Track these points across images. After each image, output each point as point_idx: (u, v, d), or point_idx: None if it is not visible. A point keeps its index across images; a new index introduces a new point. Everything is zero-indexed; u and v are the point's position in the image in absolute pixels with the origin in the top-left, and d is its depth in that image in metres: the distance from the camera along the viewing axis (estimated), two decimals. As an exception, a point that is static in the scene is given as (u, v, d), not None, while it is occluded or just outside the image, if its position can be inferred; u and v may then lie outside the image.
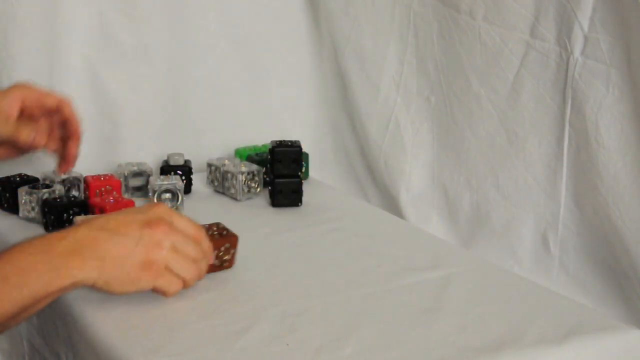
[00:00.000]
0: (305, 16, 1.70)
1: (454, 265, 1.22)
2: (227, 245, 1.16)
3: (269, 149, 1.46)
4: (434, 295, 1.12)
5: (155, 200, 1.40)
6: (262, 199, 1.49)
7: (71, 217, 1.26)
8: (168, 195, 1.41)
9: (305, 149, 1.55)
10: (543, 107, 1.33)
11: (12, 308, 0.94)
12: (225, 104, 1.67)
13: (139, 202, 1.42)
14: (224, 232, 1.17)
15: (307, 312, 1.07)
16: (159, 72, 1.60)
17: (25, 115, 1.26)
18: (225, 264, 1.16)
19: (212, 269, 1.14)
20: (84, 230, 1.00)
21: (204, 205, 1.33)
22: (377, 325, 1.04)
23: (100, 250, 0.99)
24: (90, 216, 1.24)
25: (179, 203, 1.41)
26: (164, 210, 1.04)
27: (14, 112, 1.23)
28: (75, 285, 0.99)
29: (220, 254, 1.15)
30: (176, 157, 1.51)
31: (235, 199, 1.48)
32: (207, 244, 1.08)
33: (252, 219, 1.35)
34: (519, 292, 1.15)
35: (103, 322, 1.05)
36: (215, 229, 1.16)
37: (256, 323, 1.04)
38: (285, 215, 1.42)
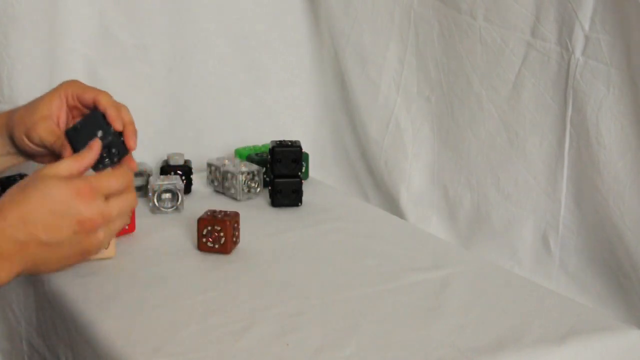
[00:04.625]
0: (305, 16, 1.70)
1: (454, 265, 1.22)
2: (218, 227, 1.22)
3: (269, 149, 1.46)
4: (434, 295, 1.12)
5: (155, 201, 1.40)
6: (262, 199, 1.49)
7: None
8: (168, 195, 1.41)
9: (305, 149, 1.55)
10: (544, 107, 1.33)
11: None
12: (225, 104, 1.67)
13: (139, 202, 1.41)
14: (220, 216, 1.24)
15: (307, 312, 1.07)
16: (159, 72, 1.60)
17: (74, 116, 1.18)
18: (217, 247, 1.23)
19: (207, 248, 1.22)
20: (11, 233, 0.94)
21: (204, 205, 1.33)
22: (377, 325, 1.04)
23: (31, 256, 0.95)
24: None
25: (179, 203, 1.41)
26: (89, 199, 0.97)
27: (58, 120, 1.14)
28: (4, 283, 0.96)
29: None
30: (176, 157, 1.51)
31: (235, 199, 1.48)
32: (129, 182, 1.04)
33: (252, 219, 1.35)
34: (519, 292, 1.15)
35: (103, 322, 1.05)
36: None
37: (256, 323, 1.04)
38: (285, 215, 1.42)
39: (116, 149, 1.08)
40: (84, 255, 0.99)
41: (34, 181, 0.97)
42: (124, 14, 1.55)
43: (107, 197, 0.99)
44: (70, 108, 1.15)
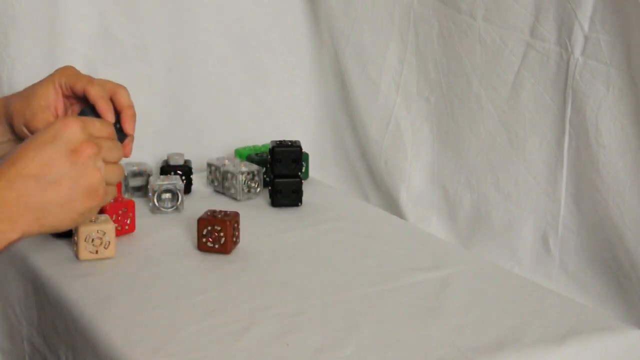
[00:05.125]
0: (305, 16, 1.70)
1: (454, 265, 1.22)
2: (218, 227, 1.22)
3: (269, 149, 1.46)
4: (434, 295, 1.12)
5: (155, 201, 1.40)
6: (262, 199, 1.49)
7: (71, 217, 1.25)
8: (168, 195, 1.41)
9: (305, 149, 1.56)
10: (543, 107, 1.33)
11: None
12: (225, 104, 1.67)
13: (139, 202, 1.42)
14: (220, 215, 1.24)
15: (307, 312, 1.07)
16: (159, 72, 1.60)
17: (72, 104, 1.16)
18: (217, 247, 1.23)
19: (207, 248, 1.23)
20: (5, 185, 0.91)
21: (204, 205, 1.33)
22: (377, 325, 1.04)
23: (33, 203, 0.92)
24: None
25: (179, 203, 1.41)
26: (74, 125, 0.95)
27: (57, 111, 1.13)
28: (9, 245, 0.92)
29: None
30: (176, 157, 1.51)
31: (235, 199, 1.48)
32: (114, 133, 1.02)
33: (252, 219, 1.35)
34: (519, 292, 1.15)
35: (103, 322, 1.05)
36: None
37: (256, 323, 1.04)
38: (285, 215, 1.42)
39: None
40: (92, 198, 0.95)
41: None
42: (124, 14, 1.55)
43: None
44: (66, 97, 1.13)
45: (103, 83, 1.10)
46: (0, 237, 0.91)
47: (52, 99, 1.12)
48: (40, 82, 1.14)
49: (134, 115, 1.09)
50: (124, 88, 1.10)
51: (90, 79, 1.11)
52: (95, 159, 0.95)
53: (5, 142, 1.15)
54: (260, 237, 1.31)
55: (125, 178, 1.47)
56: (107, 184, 0.97)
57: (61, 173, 0.93)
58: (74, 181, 0.93)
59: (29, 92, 1.13)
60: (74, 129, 0.94)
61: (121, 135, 1.07)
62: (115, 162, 0.99)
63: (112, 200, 1.02)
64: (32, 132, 1.10)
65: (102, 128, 0.99)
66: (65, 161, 0.93)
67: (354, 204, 1.52)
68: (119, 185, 1.40)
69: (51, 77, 1.13)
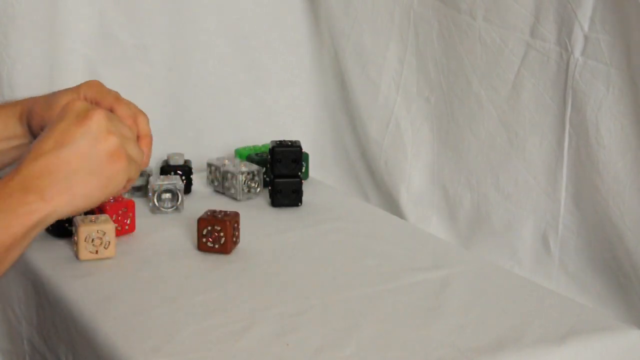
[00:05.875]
0: (305, 16, 1.70)
1: (454, 265, 1.22)
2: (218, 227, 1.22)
3: (269, 149, 1.46)
4: (434, 295, 1.12)
5: (155, 201, 1.40)
6: (262, 199, 1.49)
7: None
8: (168, 195, 1.41)
9: (305, 149, 1.55)
10: (543, 107, 1.33)
11: None
12: (225, 104, 1.67)
13: (139, 202, 1.42)
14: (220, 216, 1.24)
15: (307, 312, 1.07)
16: (159, 72, 1.60)
17: None
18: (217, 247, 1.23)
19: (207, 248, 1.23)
20: (29, 163, 0.95)
21: (204, 205, 1.33)
22: (377, 325, 1.04)
23: (58, 174, 0.95)
24: (86, 216, 1.23)
25: (179, 203, 1.41)
26: (79, 100, 1.02)
27: None
28: (45, 221, 0.95)
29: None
30: (176, 157, 1.51)
31: (235, 199, 1.48)
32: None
33: (252, 219, 1.35)
34: (519, 292, 1.15)
35: (103, 322, 1.05)
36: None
37: (256, 323, 1.04)
38: (285, 215, 1.42)
39: None
40: (116, 159, 0.98)
41: None
42: (124, 14, 1.55)
43: None
44: None
45: (128, 104, 1.13)
46: (31, 209, 0.93)
47: None
48: (65, 90, 1.17)
49: (150, 143, 1.12)
50: (145, 115, 1.13)
51: (117, 97, 1.14)
52: (106, 124, 0.99)
53: (26, 144, 1.16)
54: (260, 237, 1.31)
55: (125, 178, 1.47)
56: (128, 154, 1.00)
57: (77, 140, 0.97)
58: (92, 145, 0.97)
59: (52, 98, 1.16)
60: (80, 102, 1.00)
61: None
62: (130, 138, 1.03)
63: (133, 183, 1.06)
64: None
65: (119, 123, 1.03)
66: (78, 129, 0.97)
67: (354, 204, 1.52)
68: None
69: (77, 87, 1.17)
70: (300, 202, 1.45)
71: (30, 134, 1.16)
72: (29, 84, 1.46)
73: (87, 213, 1.29)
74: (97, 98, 1.14)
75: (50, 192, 0.95)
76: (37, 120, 1.14)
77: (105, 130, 0.98)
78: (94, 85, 1.15)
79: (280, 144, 1.46)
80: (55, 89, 1.46)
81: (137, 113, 1.13)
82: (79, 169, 0.96)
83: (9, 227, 0.92)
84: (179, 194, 1.41)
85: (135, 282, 1.16)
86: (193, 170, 1.52)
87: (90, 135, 0.97)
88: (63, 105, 1.02)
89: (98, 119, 0.98)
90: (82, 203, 0.98)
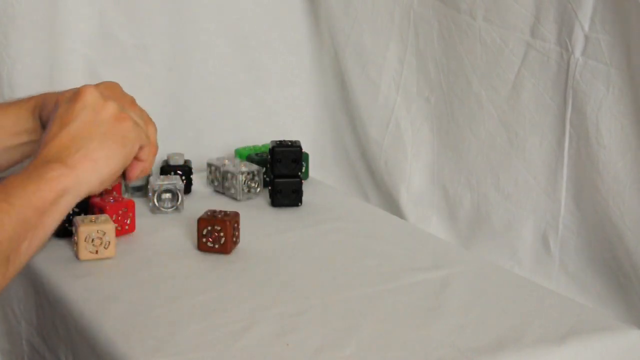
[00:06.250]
0: (305, 16, 1.70)
1: (454, 265, 1.22)
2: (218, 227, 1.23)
3: (269, 149, 1.46)
4: (434, 295, 1.12)
5: (155, 201, 1.40)
6: (262, 199, 1.49)
7: (71, 216, 1.26)
8: (168, 195, 1.41)
9: (305, 149, 1.55)
10: (543, 107, 1.33)
11: (6, 234, 0.91)
12: (225, 104, 1.67)
13: (139, 202, 1.42)
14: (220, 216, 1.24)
15: (307, 312, 1.07)
16: (159, 72, 1.60)
17: None
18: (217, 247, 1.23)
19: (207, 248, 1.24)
20: (43, 149, 1.00)
21: (204, 205, 1.33)
22: (377, 325, 1.04)
23: (74, 143, 1.00)
24: (89, 216, 1.24)
25: (179, 203, 1.41)
26: (68, 90, 1.08)
27: None
28: (74, 189, 0.98)
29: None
30: (176, 157, 1.51)
31: (235, 199, 1.48)
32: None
33: (252, 219, 1.35)
34: (519, 292, 1.15)
35: (103, 322, 1.05)
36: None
37: (256, 323, 1.04)
38: (285, 215, 1.42)
39: None
40: (120, 120, 1.04)
41: None
42: (124, 14, 1.55)
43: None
44: None
45: (142, 111, 1.16)
46: (57, 174, 0.97)
47: None
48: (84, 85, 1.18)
49: (155, 153, 1.15)
50: (154, 125, 1.16)
51: (132, 102, 1.16)
52: (99, 94, 1.04)
53: (35, 142, 1.18)
54: (260, 237, 1.31)
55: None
56: (135, 123, 1.07)
57: (79, 115, 1.02)
58: (94, 114, 1.03)
59: (65, 91, 1.18)
60: (70, 89, 1.07)
61: None
62: (141, 119, 1.10)
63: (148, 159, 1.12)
64: None
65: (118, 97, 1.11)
66: (75, 105, 1.03)
67: (354, 204, 1.52)
68: (118, 184, 1.40)
69: (96, 84, 1.18)
70: (300, 202, 1.45)
71: (41, 129, 1.17)
72: (29, 84, 1.46)
73: (87, 213, 1.29)
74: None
75: (72, 160, 0.99)
76: (49, 105, 1.15)
77: (100, 98, 1.04)
78: (111, 86, 1.17)
79: (280, 144, 1.46)
80: (56, 89, 1.46)
81: (147, 122, 1.15)
82: (91, 136, 1.01)
83: (38, 190, 0.95)
84: (179, 194, 1.41)
85: (135, 282, 1.16)
86: (193, 170, 1.52)
87: (89, 107, 1.03)
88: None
89: (90, 91, 1.04)
90: (105, 167, 1.02)
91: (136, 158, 1.09)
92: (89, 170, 1.00)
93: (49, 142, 1.00)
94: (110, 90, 1.10)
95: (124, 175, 1.11)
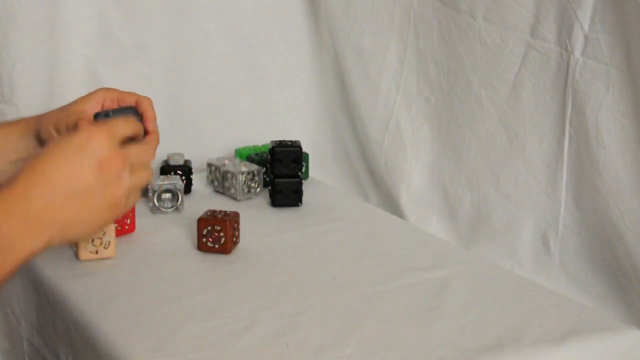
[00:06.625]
0: (305, 16, 1.70)
1: (454, 265, 1.22)
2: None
3: (269, 149, 1.46)
4: (434, 295, 1.12)
5: (155, 201, 1.40)
6: (262, 199, 1.49)
7: (71, 217, 1.25)
8: (168, 195, 1.41)
9: (305, 149, 1.55)
10: (543, 107, 1.33)
11: None
12: (225, 104, 1.67)
13: (139, 202, 1.42)
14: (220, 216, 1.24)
15: (307, 312, 1.07)
16: (159, 72, 1.60)
17: None
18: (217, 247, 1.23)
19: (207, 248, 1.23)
20: (36, 195, 0.91)
21: (204, 205, 1.33)
22: (377, 325, 1.04)
23: (60, 216, 0.92)
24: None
25: (179, 203, 1.41)
26: (101, 136, 0.94)
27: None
28: (36, 253, 0.93)
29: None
30: (176, 157, 1.51)
31: (235, 199, 1.48)
32: (141, 129, 1.03)
33: (252, 219, 1.35)
34: (519, 292, 1.15)
35: (103, 322, 1.05)
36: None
37: (256, 323, 1.04)
38: (285, 215, 1.42)
39: None
40: (114, 210, 0.95)
41: (46, 146, 0.96)
42: (124, 14, 1.55)
43: (122, 143, 0.97)
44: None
45: (148, 99, 1.15)
46: (28, 246, 0.91)
47: (90, 108, 1.14)
48: (81, 96, 1.17)
49: (158, 141, 1.12)
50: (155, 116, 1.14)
51: (138, 95, 1.15)
52: (121, 172, 0.94)
53: (24, 159, 1.16)
54: (260, 237, 1.31)
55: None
56: (132, 191, 0.97)
57: (87, 186, 0.92)
58: (100, 196, 0.93)
59: (68, 104, 1.16)
60: (102, 140, 0.94)
61: None
62: (144, 164, 0.99)
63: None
64: (60, 133, 1.12)
65: (126, 126, 0.99)
66: (92, 175, 0.93)
67: (354, 204, 1.52)
68: None
69: (94, 91, 1.17)
70: (300, 202, 1.45)
71: (36, 146, 1.15)
72: (29, 84, 1.46)
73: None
74: (120, 97, 1.15)
75: (47, 232, 0.92)
76: (48, 122, 1.14)
77: (117, 181, 0.94)
78: (112, 89, 1.16)
79: (280, 144, 1.46)
80: (55, 88, 1.46)
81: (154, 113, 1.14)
82: (79, 215, 0.93)
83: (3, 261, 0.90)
84: (179, 194, 1.41)
85: (135, 282, 1.16)
86: (193, 170, 1.52)
87: (101, 186, 0.93)
88: (82, 131, 0.95)
89: (116, 169, 0.94)
90: (70, 240, 0.98)
91: None
92: (56, 241, 0.93)
93: (47, 189, 0.91)
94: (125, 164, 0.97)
95: None
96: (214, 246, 1.24)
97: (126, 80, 1.57)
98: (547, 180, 1.34)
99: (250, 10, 1.65)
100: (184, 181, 1.48)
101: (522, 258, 1.39)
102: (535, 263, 1.37)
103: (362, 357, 0.97)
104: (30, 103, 1.43)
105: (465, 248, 1.45)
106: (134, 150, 0.97)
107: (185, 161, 1.52)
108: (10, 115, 1.42)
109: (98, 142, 0.93)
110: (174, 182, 1.41)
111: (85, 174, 0.92)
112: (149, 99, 1.14)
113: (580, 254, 1.31)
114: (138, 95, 1.15)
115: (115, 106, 1.15)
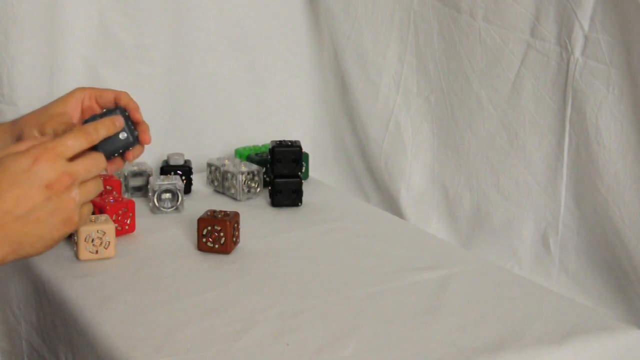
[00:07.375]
0: (305, 16, 1.70)
1: (454, 265, 1.22)
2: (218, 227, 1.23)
3: (269, 149, 1.46)
4: (434, 295, 1.12)
5: (155, 200, 1.40)
6: (262, 199, 1.49)
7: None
8: (168, 195, 1.41)
9: (305, 149, 1.55)
10: (543, 107, 1.33)
11: None
12: (225, 104, 1.67)
13: (139, 202, 1.42)
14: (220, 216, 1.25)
15: (307, 312, 1.07)
16: (159, 72, 1.60)
17: (87, 115, 1.21)
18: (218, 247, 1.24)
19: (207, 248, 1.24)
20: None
21: (204, 206, 1.33)
22: (377, 325, 1.04)
23: (11, 236, 0.95)
24: None
25: (178, 203, 1.41)
26: (47, 160, 0.97)
27: (75, 115, 1.18)
28: None
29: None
30: (176, 157, 1.51)
31: (235, 199, 1.48)
32: (89, 141, 1.03)
33: (252, 219, 1.35)
34: (519, 292, 1.15)
35: (103, 322, 1.05)
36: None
37: (256, 323, 1.04)
38: (285, 215, 1.42)
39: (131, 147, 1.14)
40: (68, 225, 0.98)
41: None
42: (124, 14, 1.55)
43: (71, 159, 0.99)
44: (85, 109, 1.18)
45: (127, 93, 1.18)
46: None
47: (71, 108, 1.17)
48: (60, 97, 1.19)
49: (148, 127, 1.16)
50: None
51: (116, 91, 1.17)
52: (70, 190, 0.98)
53: None
54: (260, 237, 1.31)
55: (125, 178, 1.47)
56: (84, 204, 1.01)
57: (37, 207, 0.96)
58: (50, 214, 0.97)
59: (47, 105, 1.18)
60: (47, 164, 0.97)
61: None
62: (93, 178, 1.01)
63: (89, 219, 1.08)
64: (44, 134, 1.14)
65: (74, 144, 1.00)
66: (41, 197, 0.96)
67: (354, 204, 1.52)
68: (118, 184, 1.41)
69: (72, 92, 1.19)
70: (300, 202, 1.45)
71: None
72: (29, 84, 1.46)
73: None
74: (97, 94, 1.18)
75: (2, 248, 0.95)
76: (30, 125, 1.16)
77: (67, 198, 0.97)
78: (89, 87, 1.18)
79: (280, 144, 1.46)
80: (55, 88, 1.46)
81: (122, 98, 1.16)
82: (32, 234, 0.96)
83: None
84: (179, 194, 1.41)
85: (135, 282, 1.16)
86: (193, 170, 1.52)
87: (51, 206, 0.96)
88: (32, 151, 0.98)
89: (63, 187, 0.97)
90: (25, 257, 0.99)
91: None
92: (10, 259, 0.96)
93: (2, 226, 0.94)
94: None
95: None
96: (214, 246, 1.24)
97: (126, 80, 1.57)
98: (547, 180, 1.34)
99: (250, 10, 1.65)
100: (184, 181, 1.48)
101: (522, 258, 1.39)
102: (535, 263, 1.37)
103: (362, 357, 0.97)
104: (30, 103, 1.43)
105: (465, 248, 1.45)
106: (81, 165, 1.00)
107: (185, 161, 1.52)
108: (11, 115, 1.42)
109: (44, 166, 0.96)
110: (174, 182, 1.41)
111: (34, 197, 0.96)
112: (126, 93, 1.17)
113: (580, 254, 1.31)
114: (115, 90, 1.18)
115: (94, 103, 1.18)
